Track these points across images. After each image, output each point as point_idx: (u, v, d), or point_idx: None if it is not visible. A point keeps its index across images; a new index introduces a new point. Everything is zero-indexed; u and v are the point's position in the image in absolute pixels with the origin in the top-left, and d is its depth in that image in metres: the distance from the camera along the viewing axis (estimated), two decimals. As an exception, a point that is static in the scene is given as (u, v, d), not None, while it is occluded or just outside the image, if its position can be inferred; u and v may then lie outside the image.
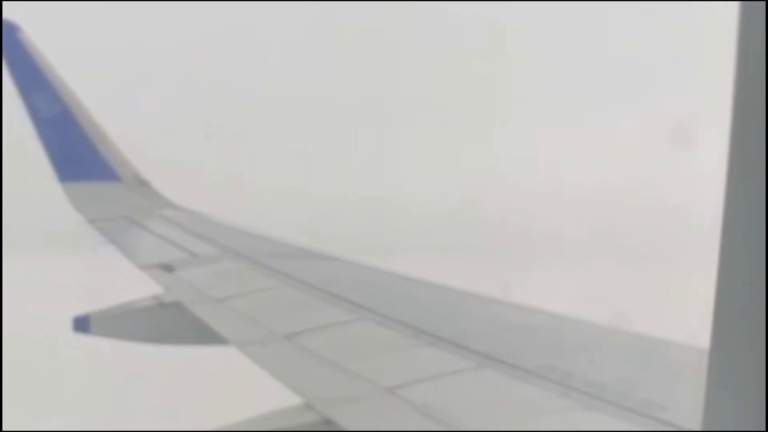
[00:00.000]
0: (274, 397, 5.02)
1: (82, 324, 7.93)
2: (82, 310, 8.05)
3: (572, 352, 5.35)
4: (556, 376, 4.61)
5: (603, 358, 5.28)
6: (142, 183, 15.22)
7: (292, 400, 4.80)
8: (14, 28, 13.96)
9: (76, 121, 14.51)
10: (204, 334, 7.05)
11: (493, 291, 7.18)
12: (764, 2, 1.38)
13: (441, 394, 4.56)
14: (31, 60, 14.20)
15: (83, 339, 7.95)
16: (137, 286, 9.00)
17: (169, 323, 7.75)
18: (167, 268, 9.46)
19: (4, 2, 12.82)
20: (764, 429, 3.03)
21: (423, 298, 7.53)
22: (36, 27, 14.31)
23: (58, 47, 14.95)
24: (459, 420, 4.11)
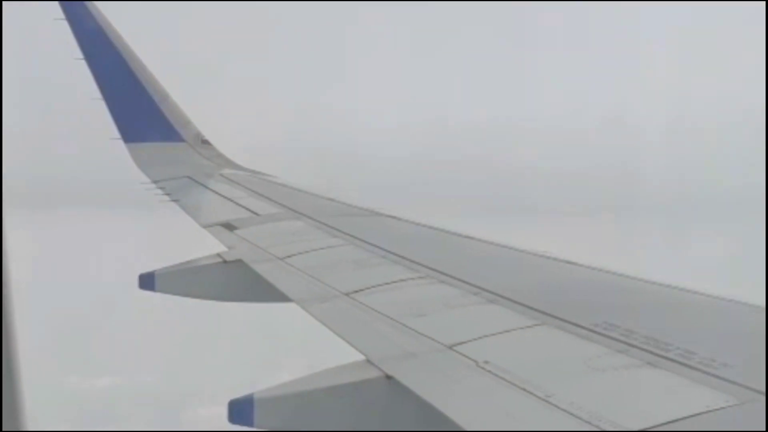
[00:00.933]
0: (335, 353, 5.07)
1: (147, 281, 8.07)
2: (147, 267, 8.18)
3: (633, 310, 5.31)
4: (617, 334, 4.59)
5: (665, 315, 5.23)
6: (205, 143, 15.38)
7: (353, 356, 4.84)
8: None
9: (140, 84, 14.67)
10: (266, 292, 7.13)
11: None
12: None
13: (501, 351, 4.57)
14: (96, 24, 14.36)
15: (148, 295, 8.08)
16: (200, 245, 9.13)
17: (232, 281, 7.85)
18: (229, 226, 9.57)
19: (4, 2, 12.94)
20: (764, 429, 3.00)
21: (483, 255, 7.52)
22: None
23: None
24: (519, 377, 4.11)
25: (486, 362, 4.38)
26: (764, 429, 3.32)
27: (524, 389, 3.98)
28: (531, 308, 5.24)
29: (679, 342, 4.35)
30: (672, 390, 3.85)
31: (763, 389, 3.66)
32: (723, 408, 3.51)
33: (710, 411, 3.48)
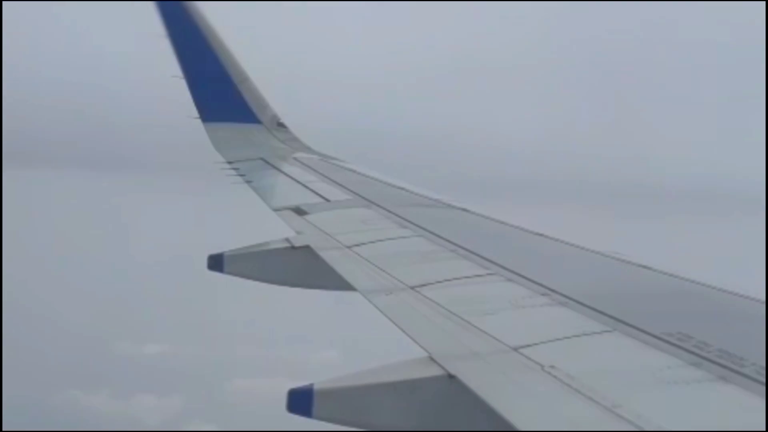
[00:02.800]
0: (397, 347, 4.99)
1: (215, 262, 8.10)
2: (216, 248, 8.21)
3: (708, 321, 5.13)
4: (690, 345, 4.42)
5: (741, 328, 5.04)
6: (281, 126, 15.43)
7: (416, 352, 4.75)
8: None
9: (220, 63, 14.77)
10: (332, 279, 7.09)
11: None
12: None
13: (568, 356, 4.43)
14: (180, 3, 14.49)
15: (216, 276, 8.11)
16: (270, 228, 9.14)
17: (299, 266, 7.83)
18: (299, 211, 9.56)
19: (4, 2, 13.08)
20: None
21: (555, 255, 7.37)
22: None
23: None
24: (585, 384, 3.98)
25: (552, 367, 4.25)
26: None
27: (590, 397, 3.84)
28: (602, 313, 5.09)
29: (755, 357, 4.17)
30: (745, 408, 3.68)
31: None
32: None
33: None
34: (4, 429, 22.33)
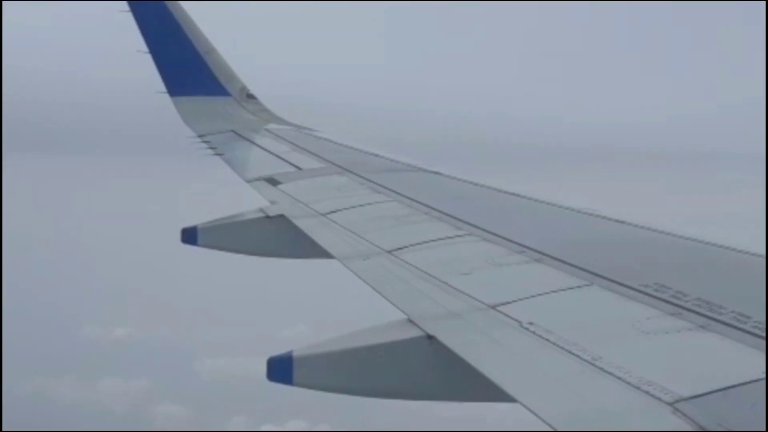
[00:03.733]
0: (376, 311, 4.97)
1: (189, 235, 8.04)
2: (189, 221, 8.14)
3: (684, 271, 5.14)
4: (668, 295, 4.42)
5: (718, 277, 5.05)
6: (250, 97, 15.29)
7: (395, 314, 4.74)
8: None
9: (186, 36, 14.59)
10: (308, 248, 7.05)
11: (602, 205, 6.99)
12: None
13: (546, 312, 4.43)
14: None
15: (190, 249, 8.05)
16: (243, 199, 9.08)
17: (274, 236, 7.78)
18: (273, 181, 9.50)
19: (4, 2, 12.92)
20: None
21: (529, 213, 7.36)
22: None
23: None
24: (565, 339, 3.97)
25: (530, 323, 4.24)
26: None
27: (570, 351, 3.84)
28: (578, 268, 5.09)
29: (733, 305, 4.18)
30: (726, 355, 3.69)
31: None
32: None
33: (766, 378, 3.32)
34: (4, 429, 22.29)
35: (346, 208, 7.66)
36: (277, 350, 4.55)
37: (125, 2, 14.17)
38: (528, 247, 5.66)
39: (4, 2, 7.13)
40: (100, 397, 34.67)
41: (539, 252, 5.53)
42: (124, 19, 14.10)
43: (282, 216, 7.84)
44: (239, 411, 32.30)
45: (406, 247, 6.07)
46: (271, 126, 14.14)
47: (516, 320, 4.33)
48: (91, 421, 32.08)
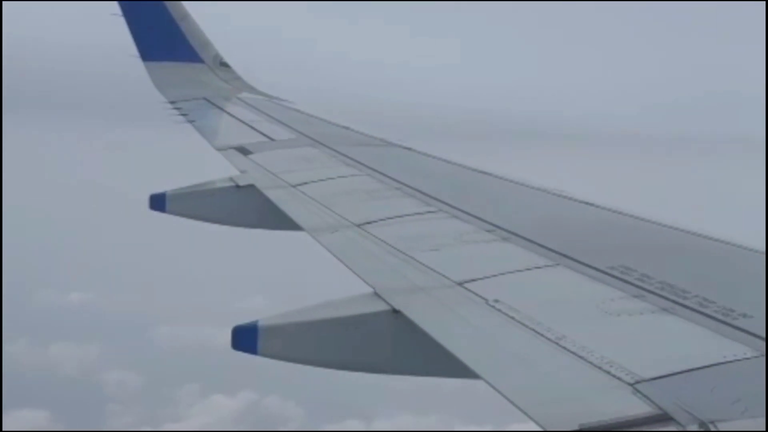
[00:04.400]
0: (343, 284, 4.98)
1: (158, 202, 7.99)
2: (158, 188, 8.09)
3: (650, 254, 5.18)
4: (633, 278, 4.46)
5: (683, 261, 5.09)
6: (224, 65, 15.18)
7: (361, 288, 4.74)
8: None
9: (161, 1, 14.44)
10: (277, 218, 7.04)
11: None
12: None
13: (513, 291, 4.45)
14: None
15: (158, 216, 8.00)
16: (213, 167, 9.03)
17: (243, 206, 7.75)
18: (244, 150, 9.45)
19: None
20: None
21: (499, 192, 7.38)
22: None
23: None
24: (530, 318, 4.00)
25: (496, 301, 4.26)
26: None
27: (534, 330, 3.86)
28: (546, 248, 5.11)
29: (697, 289, 4.22)
30: (688, 338, 3.72)
31: None
32: (740, 360, 3.38)
33: (727, 362, 3.36)
34: (4, 429, 22.17)
35: (316, 181, 7.65)
36: (237, 321, 4.55)
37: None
38: (497, 226, 5.68)
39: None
40: (52, 361, 34.52)
41: (508, 231, 5.55)
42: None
43: (252, 186, 7.81)
44: (191, 380, 32.36)
45: (375, 221, 6.07)
46: (244, 95, 14.05)
47: (482, 297, 4.35)
48: (38, 386, 31.95)
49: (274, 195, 7.36)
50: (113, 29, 14.49)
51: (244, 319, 4.54)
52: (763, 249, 5.08)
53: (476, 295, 4.41)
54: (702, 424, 2.87)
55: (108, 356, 34.63)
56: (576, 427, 2.98)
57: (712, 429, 2.84)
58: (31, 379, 32.54)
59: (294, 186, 7.54)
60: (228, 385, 31.83)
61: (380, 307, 4.43)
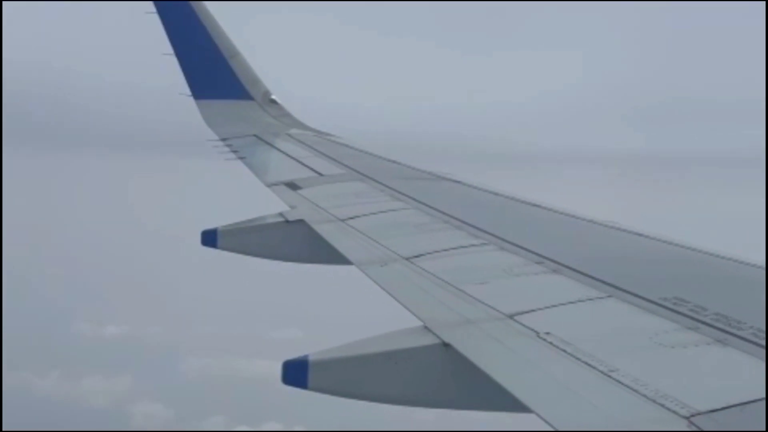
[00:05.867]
0: (392, 318, 4.97)
1: (209, 238, 8.05)
2: (210, 224, 8.16)
3: (704, 285, 5.11)
4: (686, 309, 4.40)
5: (737, 292, 5.01)
6: (273, 102, 15.33)
7: (411, 321, 4.73)
8: None
9: (211, 39, 14.64)
10: (327, 253, 7.05)
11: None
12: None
13: (563, 323, 4.41)
14: None
15: (210, 252, 8.07)
16: (263, 203, 9.10)
17: (293, 240, 7.79)
18: (293, 186, 9.51)
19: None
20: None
21: (548, 223, 7.34)
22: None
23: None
24: (581, 350, 3.95)
25: (547, 333, 4.23)
26: None
27: (586, 363, 3.82)
28: (596, 279, 5.06)
29: (751, 320, 4.15)
30: (743, 370, 3.66)
31: None
32: None
33: None
34: (4, 429, 22.39)
35: (365, 215, 7.66)
36: (281, 354, 4.56)
37: (151, 3, 14.24)
38: (546, 258, 5.64)
39: (15, 1, 7.16)
40: (82, 393, 34.86)
41: (557, 263, 5.51)
42: (150, 20, 14.17)
43: (302, 221, 7.85)
44: (217, 411, 32.52)
45: (423, 254, 6.06)
46: (293, 131, 14.16)
47: (533, 330, 4.31)
48: (66, 417, 32.23)
49: (323, 229, 7.39)
50: (165, 68, 14.72)
51: (289, 353, 4.55)
52: None
53: (527, 327, 4.37)
54: None
55: (137, 388, 34.96)
56: None
57: None
58: (59, 411, 32.88)
59: (343, 220, 7.56)
60: (253, 416, 31.99)
61: (430, 340, 4.41)
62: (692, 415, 3.18)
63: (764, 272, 5.34)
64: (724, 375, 3.66)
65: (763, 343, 3.86)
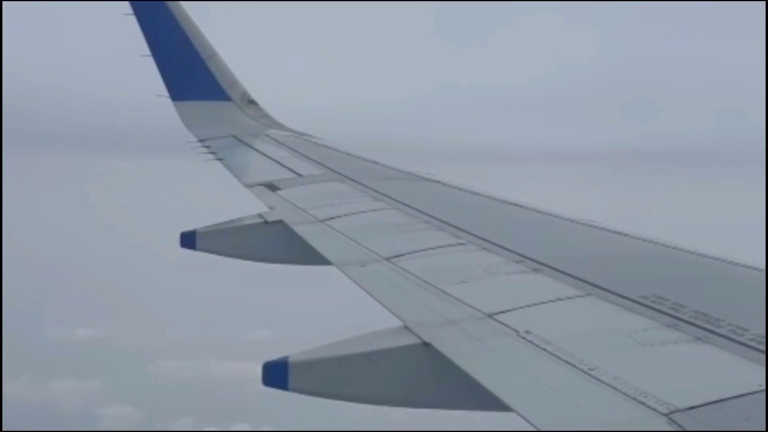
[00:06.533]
0: (373, 318, 4.96)
1: (188, 240, 8.02)
2: (189, 226, 8.13)
3: (683, 283, 5.13)
4: (666, 307, 4.41)
5: (716, 289, 5.04)
6: (251, 103, 15.30)
7: (392, 322, 4.72)
8: None
9: (188, 40, 14.59)
10: (306, 254, 7.04)
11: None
12: (764, 2, 1.16)
13: (544, 322, 4.42)
14: None
15: (189, 254, 8.04)
16: (242, 204, 9.07)
17: (272, 242, 7.77)
18: (272, 187, 9.49)
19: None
20: (764, 429, 2.83)
21: (527, 223, 7.35)
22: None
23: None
24: (561, 349, 3.96)
25: (527, 332, 4.23)
26: None
27: (566, 361, 3.83)
28: (576, 278, 5.08)
29: (730, 318, 4.17)
30: (722, 367, 3.68)
31: None
32: None
33: (762, 390, 3.31)
34: (4, 429, 22.24)
35: (345, 215, 7.66)
36: (261, 356, 4.55)
37: (128, 3, 14.17)
38: (526, 257, 5.65)
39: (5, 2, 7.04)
40: (51, 396, 34.72)
41: (537, 262, 5.52)
42: (128, 21, 14.11)
43: (281, 222, 7.83)
44: (187, 413, 32.54)
45: (404, 254, 6.06)
46: (272, 132, 14.14)
47: (513, 329, 4.32)
48: (34, 419, 32.08)
49: (303, 230, 7.37)
50: (143, 70, 14.65)
51: (267, 355, 4.53)
52: None
53: (507, 326, 4.38)
54: None
55: (107, 390, 34.89)
56: None
57: None
58: (28, 414, 32.73)
59: (322, 221, 7.55)
60: (223, 418, 32.05)
61: (411, 340, 4.41)
62: (672, 413, 3.19)
63: (743, 269, 5.37)
64: (704, 372, 3.67)
65: (740, 339, 3.88)
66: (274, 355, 4.52)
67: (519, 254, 5.75)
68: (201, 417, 32.08)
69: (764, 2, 22.25)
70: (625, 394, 3.43)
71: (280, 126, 14.77)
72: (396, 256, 6.02)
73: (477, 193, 8.60)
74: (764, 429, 3.00)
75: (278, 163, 11.18)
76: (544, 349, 4.00)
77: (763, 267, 5.28)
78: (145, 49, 14.40)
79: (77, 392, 35.01)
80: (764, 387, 3.34)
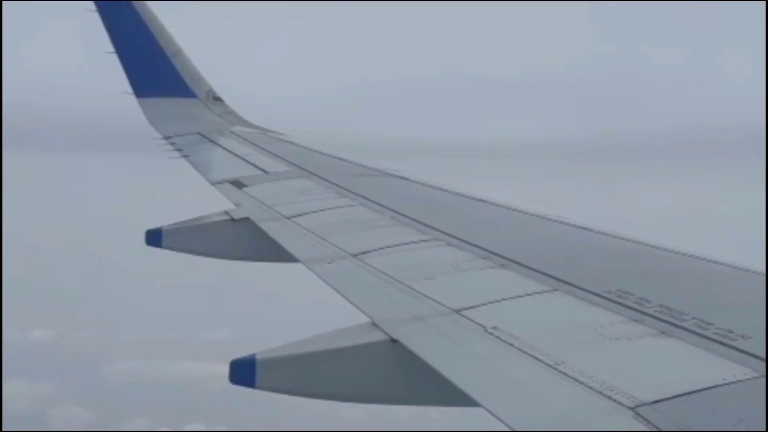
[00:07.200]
0: (340, 315, 4.96)
1: (154, 237, 7.97)
2: (154, 224, 8.08)
3: (647, 278, 5.17)
4: (631, 302, 4.45)
5: (681, 283, 5.08)
6: (217, 99, 15.22)
7: (359, 318, 4.72)
8: None
9: (153, 37, 14.49)
10: (273, 251, 7.02)
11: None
12: (764, 2, 1.18)
13: (510, 317, 4.44)
14: None
15: (154, 251, 7.99)
16: (208, 202, 9.03)
17: (239, 239, 7.74)
18: (238, 184, 9.45)
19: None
20: (764, 429, 2.87)
21: (493, 219, 7.38)
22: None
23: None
24: (528, 344, 3.98)
25: (494, 328, 4.25)
26: None
27: (533, 356, 3.85)
28: (542, 273, 5.10)
29: (695, 311, 4.21)
30: (687, 361, 3.71)
31: None
32: (740, 381, 3.37)
33: (727, 384, 3.34)
34: (4, 429, 22.02)
35: (311, 212, 7.64)
36: (226, 355, 4.53)
37: (92, 1, 14.05)
38: (493, 253, 5.67)
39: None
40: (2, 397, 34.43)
41: (504, 257, 5.54)
42: (91, 18, 13.97)
43: (247, 219, 7.80)
44: (141, 414, 32.42)
45: (371, 251, 6.06)
46: (237, 128, 14.08)
47: (480, 325, 4.33)
48: None
49: (269, 227, 7.35)
50: (107, 66, 14.53)
51: (232, 353, 4.52)
52: (761, 270, 5.07)
53: (474, 322, 4.39)
54: None
55: (59, 392, 34.63)
56: None
57: None
58: None
59: (289, 218, 7.53)
60: (177, 418, 31.97)
61: (378, 337, 4.41)
62: (637, 406, 3.21)
63: (707, 264, 5.43)
64: (669, 366, 3.70)
65: (705, 333, 3.92)
66: (231, 355, 4.51)
67: (486, 250, 5.77)
68: (155, 418, 31.94)
69: (764, 2, 22.54)
70: (591, 388, 3.45)
71: (245, 123, 14.70)
72: (363, 253, 6.02)
73: (443, 189, 8.61)
74: (731, 422, 3.03)
75: (244, 160, 11.14)
76: (511, 345, 4.02)
77: (728, 261, 5.34)
78: (109, 45, 14.28)
79: (28, 394, 34.68)
80: (729, 380, 3.38)
